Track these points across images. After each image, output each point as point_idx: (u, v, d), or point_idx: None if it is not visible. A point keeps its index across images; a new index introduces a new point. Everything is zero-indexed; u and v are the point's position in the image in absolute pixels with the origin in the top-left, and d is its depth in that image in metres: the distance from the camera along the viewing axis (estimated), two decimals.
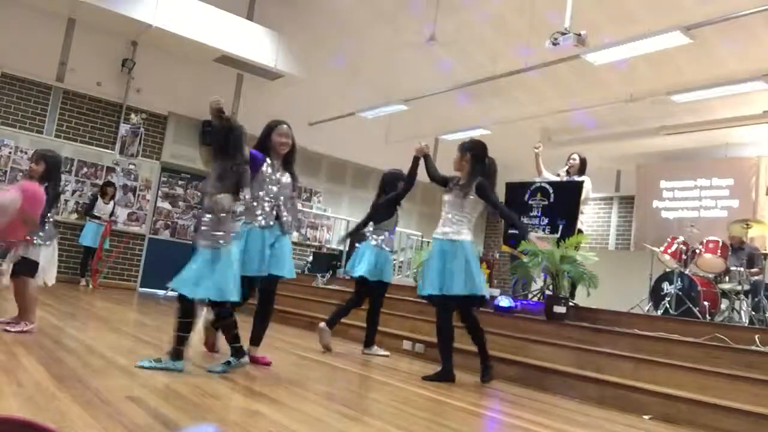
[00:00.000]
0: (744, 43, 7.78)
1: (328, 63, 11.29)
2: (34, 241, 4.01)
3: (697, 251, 6.60)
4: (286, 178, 3.97)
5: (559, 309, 5.25)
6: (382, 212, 5.28)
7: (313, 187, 12.14)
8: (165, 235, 10.37)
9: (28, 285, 3.99)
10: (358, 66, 11.47)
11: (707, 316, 5.90)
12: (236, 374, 3.44)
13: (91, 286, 9.07)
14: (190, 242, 9.62)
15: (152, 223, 10.29)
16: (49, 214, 4.11)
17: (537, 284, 6.56)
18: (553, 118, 10.58)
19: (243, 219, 3.79)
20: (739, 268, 6.20)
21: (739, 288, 6.12)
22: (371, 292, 5.23)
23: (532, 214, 6.33)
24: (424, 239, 11.16)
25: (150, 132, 10.23)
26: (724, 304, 6.39)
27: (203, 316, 3.99)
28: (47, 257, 4.13)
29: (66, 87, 9.47)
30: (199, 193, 10.35)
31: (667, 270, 6.68)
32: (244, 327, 3.69)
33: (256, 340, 4.01)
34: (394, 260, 11.89)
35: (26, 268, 4.01)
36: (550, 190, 6.28)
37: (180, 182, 10.63)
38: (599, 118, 10.24)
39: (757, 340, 4.34)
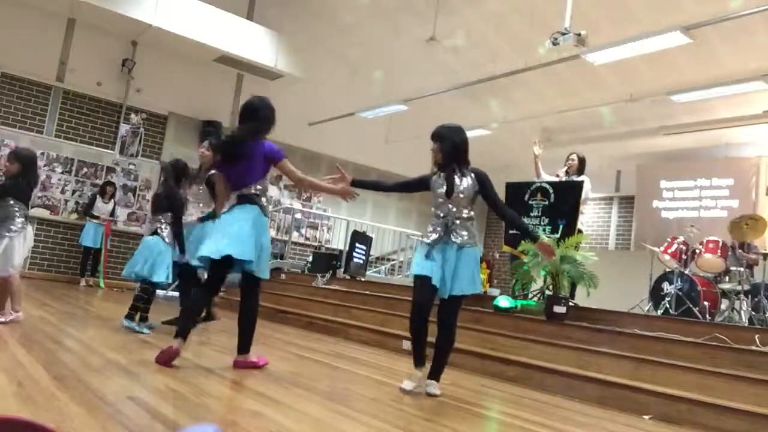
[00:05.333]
0: (744, 43, 7.78)
1: (328, 63, 11.28)
2: (5, 234, 4.13)
3: (697, 251, 6.60)
4: None
5: (559, 309, 5.25)
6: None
7: None
8: None
9: (7, 278, 4.19)
10: (358, 66, 11.48)
11: (707, 316, 5.90)
12: (236, 374, 3.44)
13: (102, 287, 9.11)
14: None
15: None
16: (17, 208, 4.22)
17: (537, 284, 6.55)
18: (553, 118, 10.58)
19: None
20: (739, 269, 6.20)
21: (739, 288, 6.11)
22: None
23: (532, 214, 6.33)
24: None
25: (150, 132, 10.23)
26: (724, 304, 6.39)
27: None
28: (18, 247, 4.22)
29: (66, 87, 9.47)
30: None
31: (667, 270, 6.68)
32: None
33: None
34: (395, 260, 12.03)
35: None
36: (550, 190, 6.27)
37: None
38: (599, 118, 10.24)
39: (757, 340, 4.34)
